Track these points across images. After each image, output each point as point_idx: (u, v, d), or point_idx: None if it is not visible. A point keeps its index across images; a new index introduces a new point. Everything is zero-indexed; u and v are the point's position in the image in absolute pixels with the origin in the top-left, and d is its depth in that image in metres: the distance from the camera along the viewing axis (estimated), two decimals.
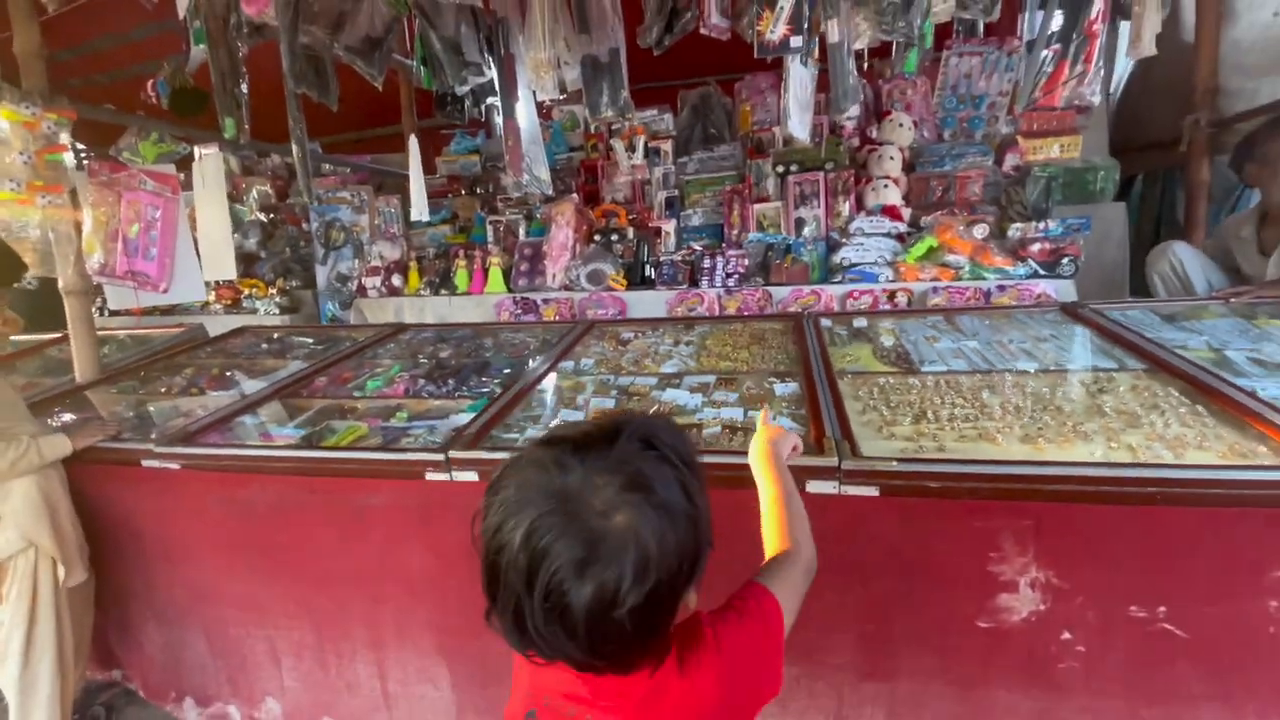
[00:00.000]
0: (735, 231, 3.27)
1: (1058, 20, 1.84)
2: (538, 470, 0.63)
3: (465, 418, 1.68)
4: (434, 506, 1.46)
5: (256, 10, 1.87)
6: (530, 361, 2.12)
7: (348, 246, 3.78)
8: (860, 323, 2.23)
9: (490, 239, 3.60)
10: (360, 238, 3.77)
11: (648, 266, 3.21)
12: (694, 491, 0.66)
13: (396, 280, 3.50)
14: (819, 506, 1.25)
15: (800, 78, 2.06)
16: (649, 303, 3.08)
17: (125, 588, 1.83)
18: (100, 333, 2.57)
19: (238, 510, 1.62)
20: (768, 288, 2.96)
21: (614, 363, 2.04)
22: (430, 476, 1.43)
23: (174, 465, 1.65)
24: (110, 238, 2.39)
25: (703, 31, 2.06)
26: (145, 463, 1.67)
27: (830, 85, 2.04)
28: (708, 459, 1.32)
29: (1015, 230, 2.75)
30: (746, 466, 1.28)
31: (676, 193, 3.53)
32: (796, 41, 1.84)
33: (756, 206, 3.25)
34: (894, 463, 1.22)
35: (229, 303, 3.84)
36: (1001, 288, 2.64)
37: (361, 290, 3.58)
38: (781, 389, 1.69)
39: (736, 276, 3.04)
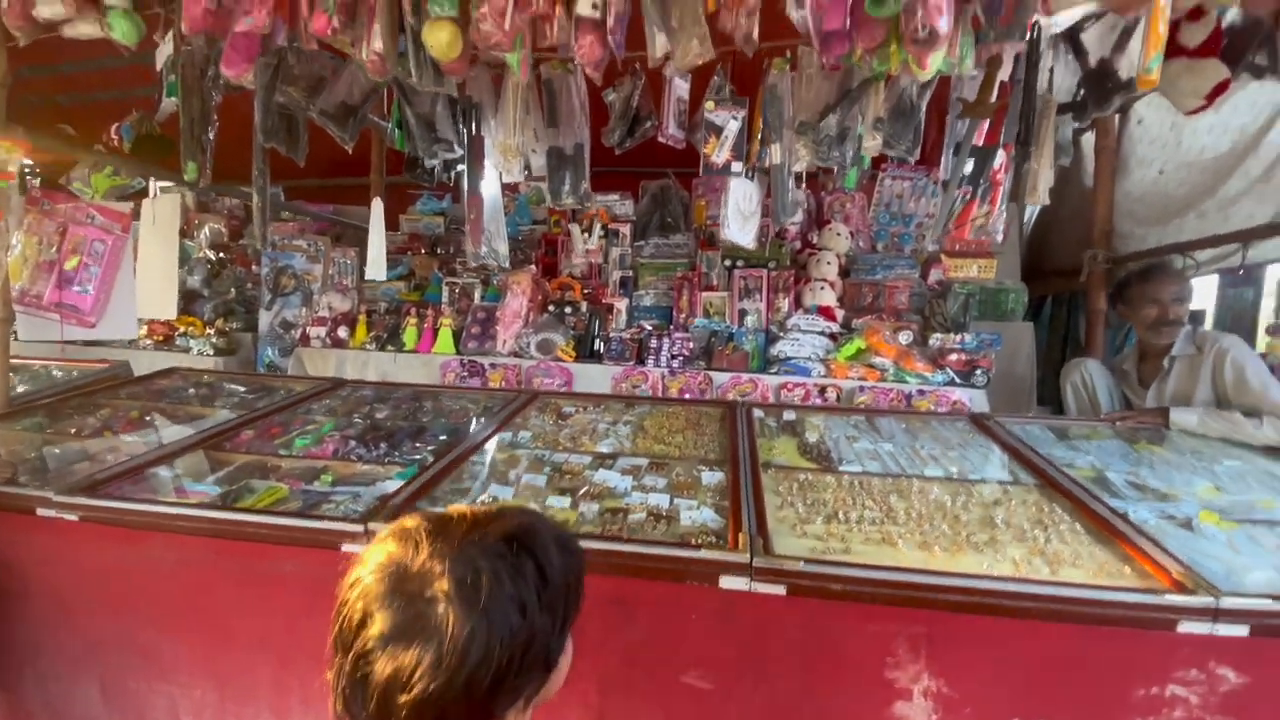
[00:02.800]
0: (683, 315, 3.42)
1: (970, 165, 2.09)
2: (398, 539, 0.66)
3: (393, 485, 1.67)
4: None
5: (236, 74, 1.94)
6: (469, 429, 2.14)
7: (296, 294, 3.74)
8: (789, 415, 2.35)
9: (445, 299, 3.64)
10: (311, 287, 3.74)
11: (597, 340, 3.31)
12: (536, 610, 0.64)
13: (342, 332, 3.47)
14: (729, 602, 1.30)
15: (744, 190, 2.26)
16: (595, 376, 3.16)
17: (9, 638, 1.68)
18: (13, 361, 2.45)
19: (143, 567, 1.54)
20: (709, 372, 3.09)
21: (552, 438, 2.08)
22: (346, 548, 1.41)
23: (72, 516, 1.56)
24: (43, 267, 2.33)
25: (660, 140, 2.24)
26: (41, 511, 1.58)
27: (773, 199, 2.23)
28: (627, 548, 1.36)
29: (936, 339, 2.99)
30: (667, 558, 1.33)
31: (631, 273, 3.69)
32: (738, 167, 2.03)
33: (704, 294, 3.43)
34: (801, 563, 1.29)
35: (160, 339, 3.70)
36: (921, 392, 2.84)
37: (305, 339, 3.53)
38: (709, 477, 1.76)
39: (681, 358, 3.16)
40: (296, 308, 3.74)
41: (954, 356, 2.91)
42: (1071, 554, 1.39)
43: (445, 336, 3.37)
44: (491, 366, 3.21)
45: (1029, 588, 1.23)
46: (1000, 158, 2.06)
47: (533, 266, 3.56)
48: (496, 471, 1.81)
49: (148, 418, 2.28)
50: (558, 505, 1.58)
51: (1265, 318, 2.50)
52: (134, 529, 1.54)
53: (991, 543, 1.44)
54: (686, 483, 1.73)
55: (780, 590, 1.28)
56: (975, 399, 2.83)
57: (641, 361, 3.20)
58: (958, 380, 2.88)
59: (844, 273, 3.50)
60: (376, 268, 2.59)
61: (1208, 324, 2.89)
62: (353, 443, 2.06)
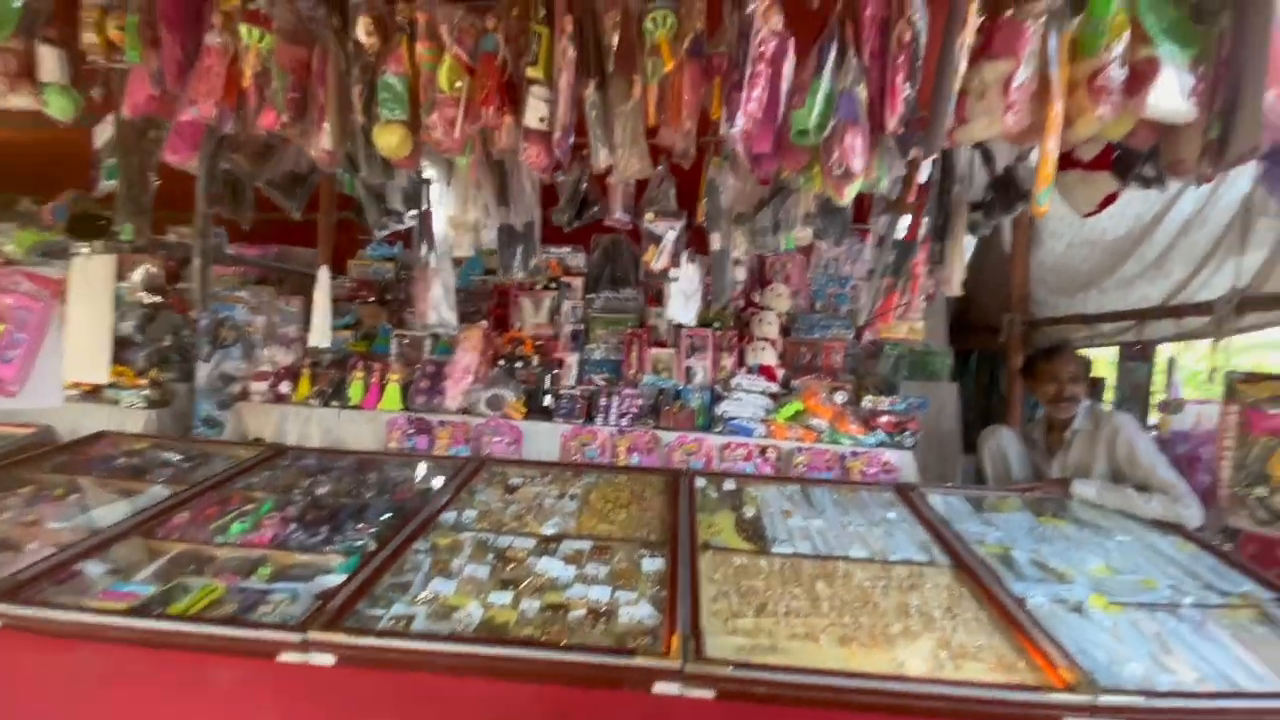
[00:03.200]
0: (633, 371, 3.51)
1: (892, 257, 2.26)
2: None
3: (333, 580, 1.68)
4: (288, 692, 1.43)
5: (180, 160, 1.94)
6: (415, 504, 2.15)
7: (237, 345, 3.66)
8: (729, 485, 2.45)
9: (393, 352, 3.62)
10: (253, 338, 3.67)
11: (548, 397, 3.36)
12: None
13: (285, 387, 3.41)
14: (664, 707, 1.37)
15: (687, 273, 2.38)
16: (545, 435, 3.20)
17: None
18: None
19: (70, 677, 1.50)
20: (657, 431, 3.18)
21: (498, 517, 2.12)
22: (284, 658, 1.42)
23: None
24: None
25: (607, 222, 2.34)
26: None
27: (713, 281, 2.35)
28: (566, 657, 1.41)
29: (868, 401, 3.17)
30: (603, 667, 1.38)
31: (582, 327, 3.76)
32: (675, 272, 2.15)
33: (653, 351, 3.53)
34: (730, 667, 1.37)
35: (88, 389, 3.55)
36: (855, 453, 3.00)
37: (245, 394, 3.46)
38: (649, 564, 1.83)
39: (630, 416, 3.24)
40: (237, 360, 3.65)
41: (885, 418, 3.09)
42: (975, 646, 1.52)
43: (393, 392, 3.36)
44: (440, 424, 3.22)
45: (932, 688, 1.35)
46: (918, 252, 2.23)
47: (484, 321, 3.59)
48: (440, 560, 1.84)
49: (74, 495, 2.20)
50: (499, 602, 1.62)
51: (1159, 391, 2.75)
52: (60, 638, 1.50)
53: (905, 634, 1.56)
54: (627, 571, 1.80)
55: (710, 695, 1.36)
56: (904, 459, 3.00)
57: (591, 419, 3.26)
58: (888, 441, 3.05)
59: (785, 330, 3.67)
60: (320, 335, 2.59)
61: (1108, 393, 3.16)
62: (292, 525, 2.05)
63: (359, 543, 1.93)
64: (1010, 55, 1.55)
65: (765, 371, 3.38)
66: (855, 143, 1.52)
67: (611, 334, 3.72)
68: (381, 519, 2.07)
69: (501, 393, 3.31)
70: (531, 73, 1.69)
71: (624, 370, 3.53)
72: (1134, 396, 2.82)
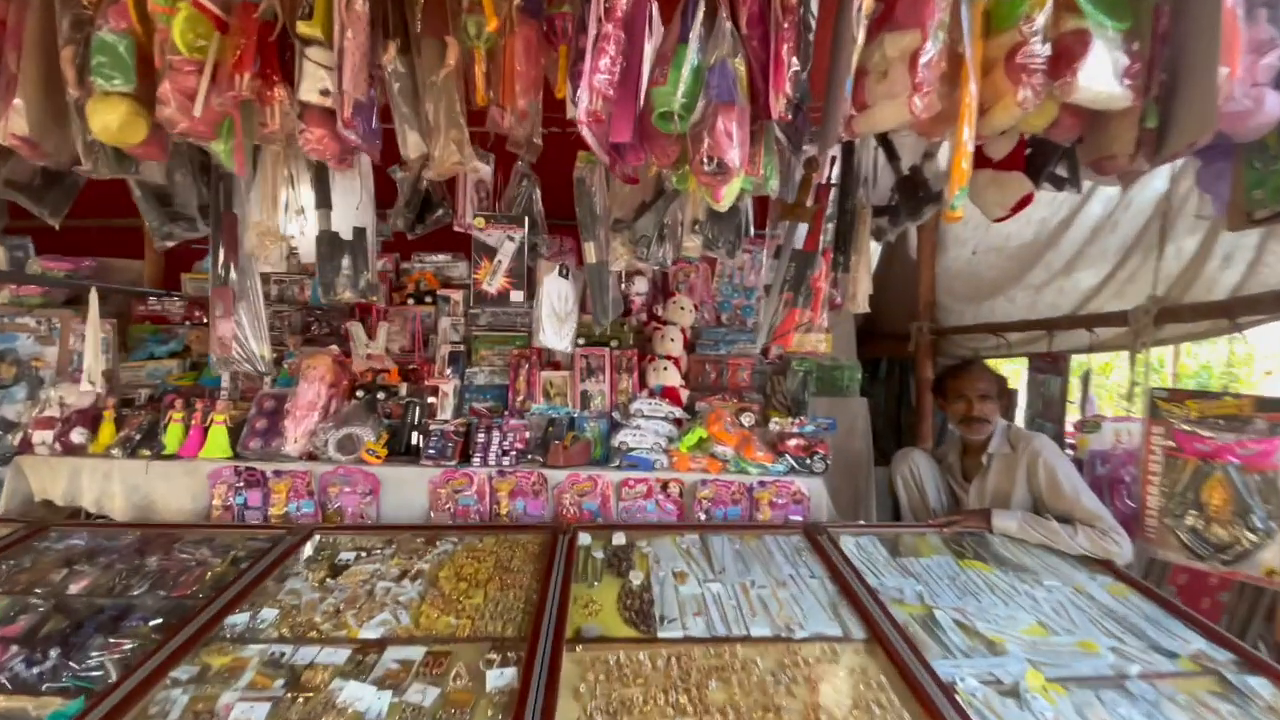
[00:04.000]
0: (520, 399, 3.07)
1: (791, 270, 1.96)
2: None
3: None
4: None
5: None
6: (194, 602, 1.63)
7: (20, 384, 2.94)
8: (619, 539, 2.08)
9: (225, 383, 3.02)
10: (41, 374, 2.96)
11: (416, 434, 2.86)
12: None
13: (79, 435, 2.74)
14: None
15: (558, 289, 1.98)
16: (409, 482, 2.70)
17: None
18: None
19: None
20: (545, 470, 2.75)
21: (305, 616, 1.63)
22: None
23: None
24: None
25: (457, 229, 1.91)
26: None
27: (590, 299, 1.96)
28: None
29: (775, 424, 2.88)
30: None
31: (463, 347, 3.28)
32: (518, 295, 1.75)
33: (545, 374, 3.10)
34: None
35: None
36: (762, 483, 2.70)
37: (27, 445, 2.76)
38: (496, 678, 1.41)
39: (514, 454, 2.80)
40: (19, 402, 2.94)
41: (793, 442, 2.80)
42: None
43: (218, 436, 2.75)
44: (276, 475, 2.66)
45: None
46: (819, 264, 1.94)
47: (334, 347, 3.04)
48: (204, 694, 1.34)
49: None
50: None
51: (1074, 407, 2.61)
52: None
53: None
54: (463, 693, 1.37)
55: None
56: (814, 486, 2.73)
57: (467, 459, 2.80)
58: (797, 467, 2.77)
59: (689, 346, 3.34)
60: (91, 376, 2.00)
61: (1020, 405, 3.04)
62: (14, 648, 1.49)
63: (95, 673, 1.40)
64: (915, 26, 1.26)
65: (669, 393, 3.04)
66: (730, 129, 1.17)
67: (498, 355, 3.27)
68: (141, 631, 1.55)
69: (356, 432, 2.79)
70: (305, 29, 1.24)
71: (510, 398, 3.08)
72: (1046, 412, 2.68)
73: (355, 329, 3.05)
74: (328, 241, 1.99)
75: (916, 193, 1.92)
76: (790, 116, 1.33)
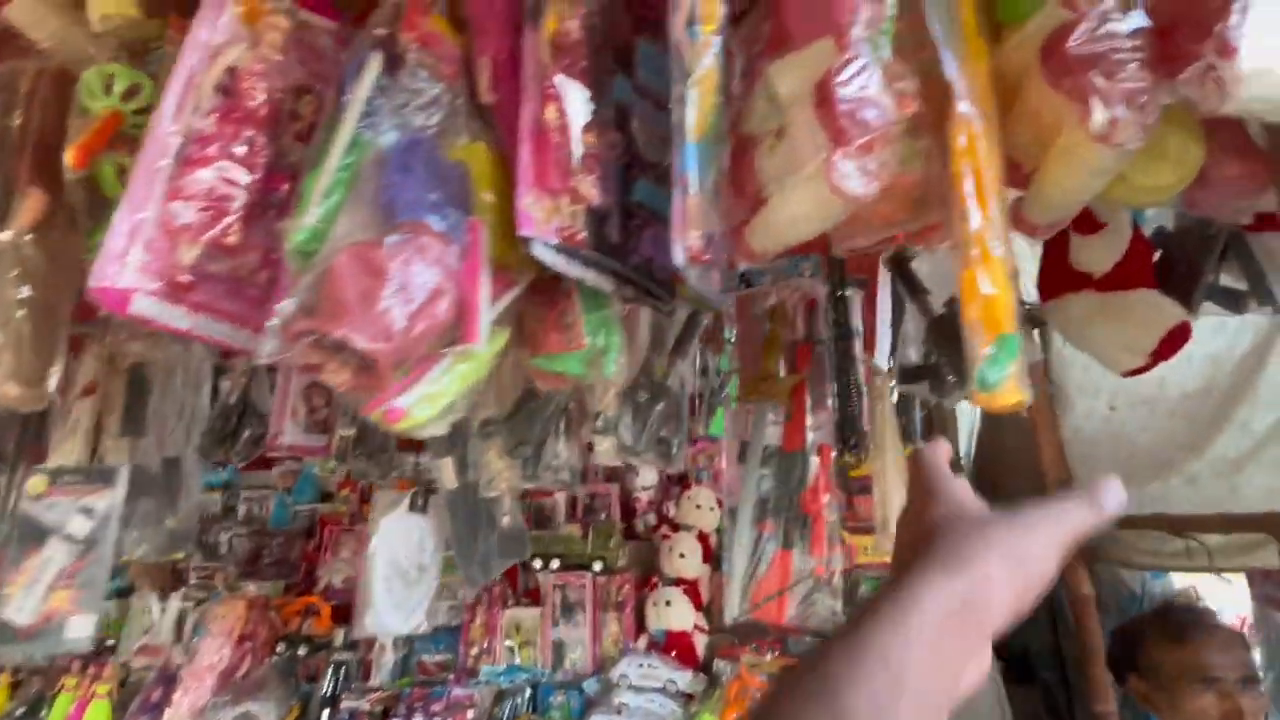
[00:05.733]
0: (474, 652, 2.28)
1: (768, 484, 1.16)
2: None
3: None
4: None
5: None
6: None
7: None
8: None
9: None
10: None
11: (326, 712, 2.12)
12: None
13: None
14: None
15: (404, 534, 1.30)
16: None
17: None
18: None
19: None
20: None
21: None
22: None
23: None
24: None
25: (271, 455, 1.33)
26: None
27: (457, 543, 1.26)
28: None
29: None
30: None
31: None
32: (79, 627, 1.08)
33: (511, 612, 2.31)
34: None
35: None
36: None
37: None
38: None
39: None
40: None
41: None
42: None
43: (98, 712, 2.17)
44: None
45: None
46: (812, 471, 1.13)
47: (251, 586, 2.47)
48: None
49: None
50: None
51: None
52: None
53: None
54: None
55: None
56: None
57: None
58: None
59: (714, 558, 2.45)
60: None
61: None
62: None
63: None
64: (823, 33, 0.59)
65: (675, 644, 2.13)
66: (372, 271, 0.52)
67: (458, 582, 2.54)
68: None
69: (257, 709, 2.09)
70: None
71: (462, 652, 2.29)
72: None
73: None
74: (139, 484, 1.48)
75: (958, 340, 1.13)
76: (620, 239, 0.68)
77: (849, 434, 1.14)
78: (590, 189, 0.64)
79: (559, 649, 2.21)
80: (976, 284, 0.54)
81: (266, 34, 0.70)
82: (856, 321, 1.19)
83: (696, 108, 0.59)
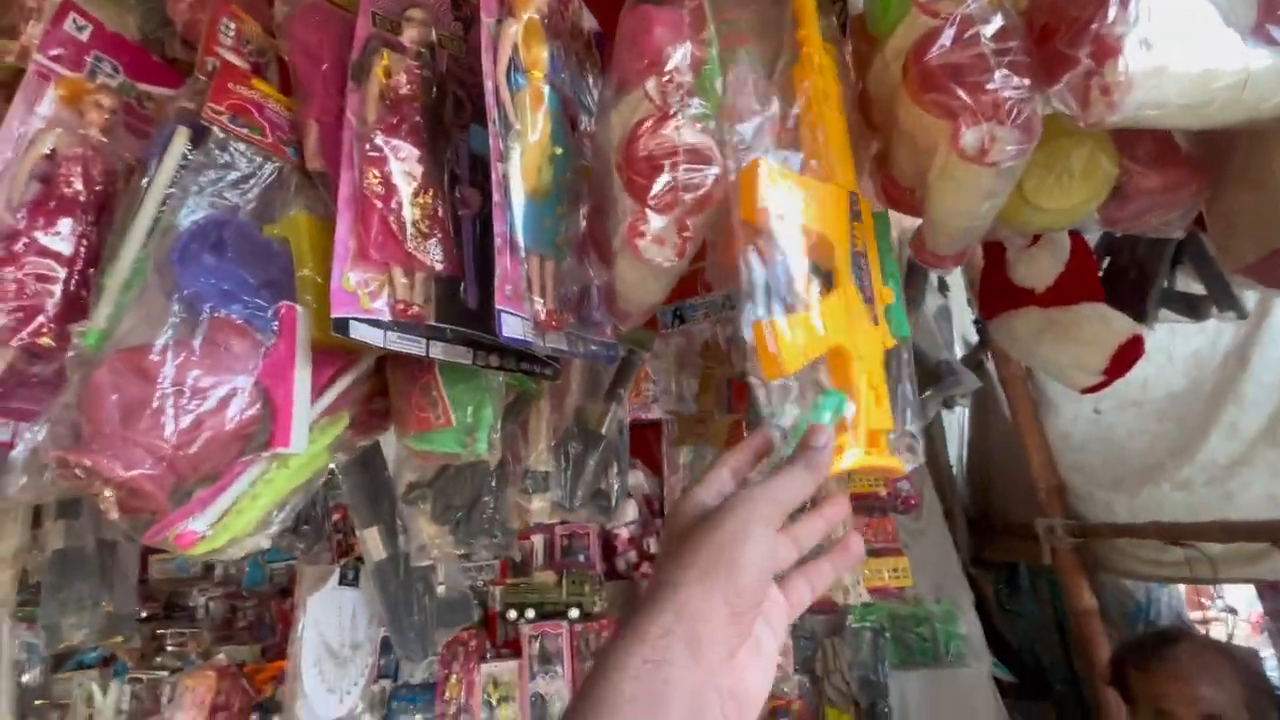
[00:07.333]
0: (452, 710, 2.18)
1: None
2: None
3: None
4: None
5: None
6: None
7: None
8: None
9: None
10: None
11: None
12: None
13: None
14: None
15: (339, 611, 1.22)
16: None
17: None
18: None
19: None
20: None
21: None
22: None
23: None
24: None
25: None
26: None
27: (390, 617, 1.18)
28: None
29: None
30: None
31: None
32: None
33: (489, 667, 2.22)
34: None
35: None
36: None
37: None
38: None
39: None
40: None
41: None
42: None
43: None
44: None
45: None
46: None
47: (221, 655, 2.38)
48: None
49: None
50: None
51: None
52: None
53: None
54: None
55: None
56: None
57: None
58: None
59: None
60: None
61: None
62: None
63: None
64: (632, 83, 0.53)
65: None
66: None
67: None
68: None
69: None
70: None
71: (438, 709, 2.19)
72: None
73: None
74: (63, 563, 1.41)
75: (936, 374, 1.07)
76: (479, 305, 0.62)
77: None
78: (430, 255, 0.58)
79: (539, 704, 2.10)
80: (812, 324, 0.46)
81: (89, 113, 0.65)
82: None
83: (522, 162, 0.52)
